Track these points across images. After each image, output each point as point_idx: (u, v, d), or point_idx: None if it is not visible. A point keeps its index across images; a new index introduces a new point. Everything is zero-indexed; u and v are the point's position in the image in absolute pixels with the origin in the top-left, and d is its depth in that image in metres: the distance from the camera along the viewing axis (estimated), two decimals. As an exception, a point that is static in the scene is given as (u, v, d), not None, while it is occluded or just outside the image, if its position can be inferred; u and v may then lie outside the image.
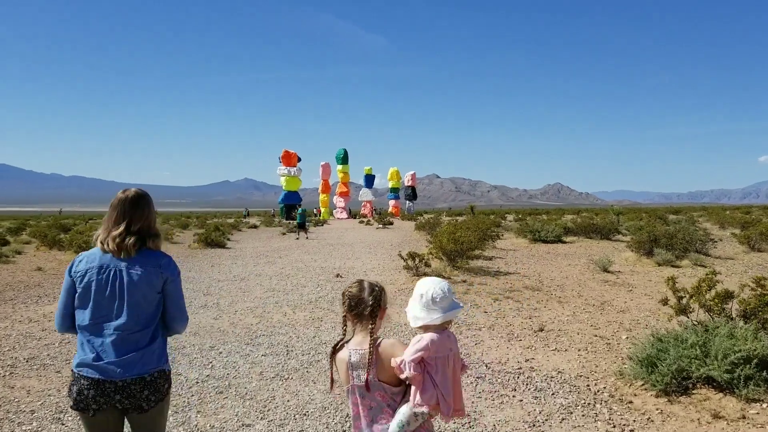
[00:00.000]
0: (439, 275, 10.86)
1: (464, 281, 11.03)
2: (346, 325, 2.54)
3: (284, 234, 30.76)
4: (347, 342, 2.51)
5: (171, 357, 6.10)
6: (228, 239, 26.06)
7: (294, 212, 25.98)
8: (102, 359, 2.47)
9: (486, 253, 16.33)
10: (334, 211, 71.65)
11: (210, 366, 5.94)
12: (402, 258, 11.40)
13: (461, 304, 2.60)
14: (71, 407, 2.54)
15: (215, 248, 20.99)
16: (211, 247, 21.06)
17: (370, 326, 2.43)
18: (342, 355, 2.48)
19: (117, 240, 2.54)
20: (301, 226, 28.58)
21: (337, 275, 12.76)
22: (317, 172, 71.33)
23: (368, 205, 74.36)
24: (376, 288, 2.50)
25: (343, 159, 72.49)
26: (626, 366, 5.34)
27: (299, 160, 66.34)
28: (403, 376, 2.37)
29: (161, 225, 37.55)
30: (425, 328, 2.47)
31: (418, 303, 2.47)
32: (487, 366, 5.77)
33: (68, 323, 2.59)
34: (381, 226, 39.56)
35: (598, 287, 10.55)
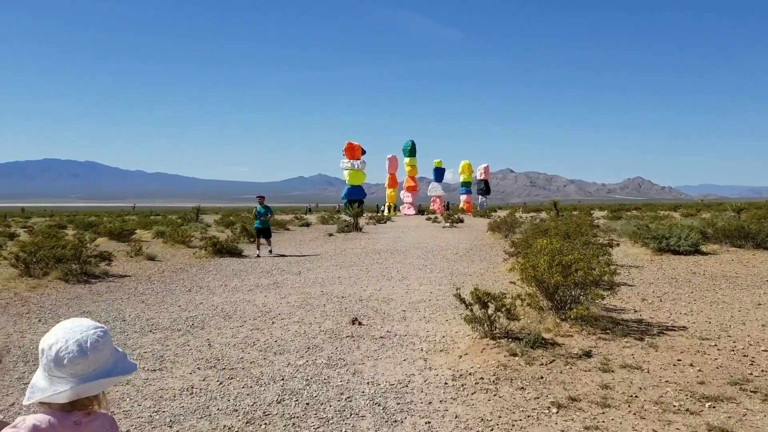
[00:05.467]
0: (537, 336, 5.42)
1: (586, 354, 5.50)
2: None
3: (331, 235, 25.85)
4: None
5: None
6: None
7: (263, 216, 17.10)
8: None
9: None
10: (400, 206, 66.64)
11: None
12: (464, 302, 5.99)
13: (129, 366, 1.66)
14: None
15: (227, 257, 16.26)
16: (221, 255, 16.35)
17: None
18: None
19: None
20: (263, 233, 17.20)
21: (354, 321, 7.50)
22: (384, 165, 66.41)
23: (438, 200, 68.77)
24: None
25: (411, 151, 67.08)
26: None
27: (363, 152, 61.60)
28: None
29: (200, 222, 33.51)
30: (48, 406, 1.58)
31: (40, 363, 1.60)
32: None
33: None
34: (448, 224, 33.99)
35: None
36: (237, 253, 16.70)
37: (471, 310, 5.95)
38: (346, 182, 60.55)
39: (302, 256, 16.86)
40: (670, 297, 8.67)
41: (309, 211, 71.93)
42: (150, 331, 7.25)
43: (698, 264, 12.56)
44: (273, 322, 7.65)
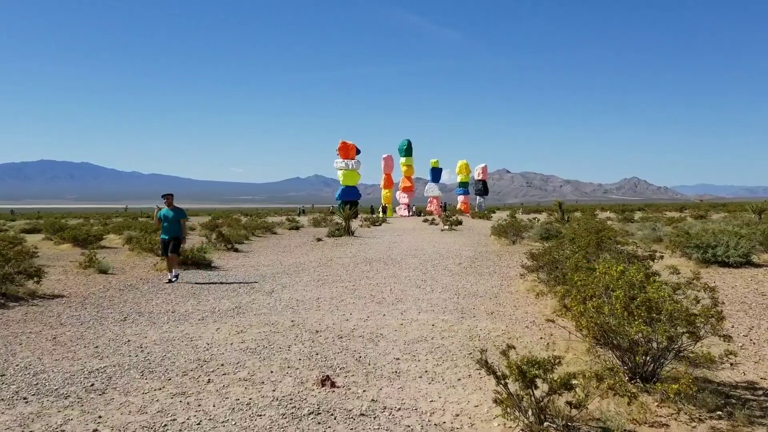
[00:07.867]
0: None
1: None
2: None
3: (320, 240, 23.50)
4: None
5: None
6: (235, 249, 19.09)
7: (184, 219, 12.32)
8: None
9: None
10: (396, 208, 64.34)
11: None
12: (494, 374, 3.68)
13: None
14: None
15: (192, 269, 13.90)
16: (186, 266, 14.00)
17: None
18: None
19: None
20: (170, 247, 12.00)
21: (325, 381, 5.16)
22: (379, 165, 64.04)
23: (434, 201, 66.43)
24: None
25: (407, 151, 64.76)
26: None
27: (358, 152, 59.15)
28: None
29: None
30: None
31: None
32: None
33: None
34: (447, 227, 31.69)
35: None
36: (205, 265, 14.34)
37: (503, 384, 3.63)
38: (340, 183, 58.16)
39: (280, 268, 14.53)
40: (762, 336, 6.37)
41: (302, 212, 69.55)
42: (23, 399, 4.91)
43: (759, 280, 10.27)
44: (209, 380, 5.31)
